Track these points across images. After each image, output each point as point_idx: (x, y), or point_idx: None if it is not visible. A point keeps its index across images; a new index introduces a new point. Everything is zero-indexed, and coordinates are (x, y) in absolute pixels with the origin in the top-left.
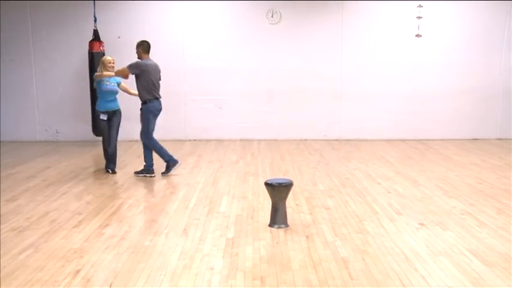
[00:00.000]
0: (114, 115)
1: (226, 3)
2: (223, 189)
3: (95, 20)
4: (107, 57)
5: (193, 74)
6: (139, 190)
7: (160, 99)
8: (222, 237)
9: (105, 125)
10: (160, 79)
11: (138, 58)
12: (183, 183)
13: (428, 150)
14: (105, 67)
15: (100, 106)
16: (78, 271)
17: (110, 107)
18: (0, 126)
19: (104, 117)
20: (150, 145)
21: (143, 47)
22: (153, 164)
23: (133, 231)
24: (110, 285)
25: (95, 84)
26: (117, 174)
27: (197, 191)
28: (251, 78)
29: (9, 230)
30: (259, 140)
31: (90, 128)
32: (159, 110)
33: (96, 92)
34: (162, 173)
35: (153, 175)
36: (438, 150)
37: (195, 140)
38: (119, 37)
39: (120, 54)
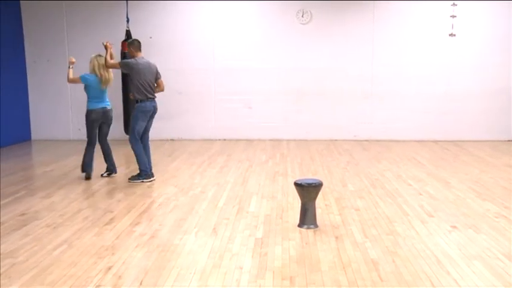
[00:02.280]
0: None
1: (256, 3)
2: (253, 189)
3: (128, 21)
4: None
5: (223, 74)
6: (169, 189)
7: (154, 99)
8: (251, 237)
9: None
10: (159, 77)
11: (131, 57)
12: (213, 183)
13: (461, 151)
14: (98, 66)
15: (93, 106)
16: (109, 268)
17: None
18: (36, 125)
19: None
20: (133, 147)
21: (134, 46)
22: (147, 167)
23: (163, 229)
24: (141, 283)
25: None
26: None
27: (226, 191)
28: (281, 78)
29: (44, 226)
30: (288, 140)
31: (121, 127)
32: (151, 111)
33: (88, 93)
34: (129, 178)
35: (151, 179)
36: (471, 151)
37: (224, 140)
38: (151, 37)
39: (152, 55)
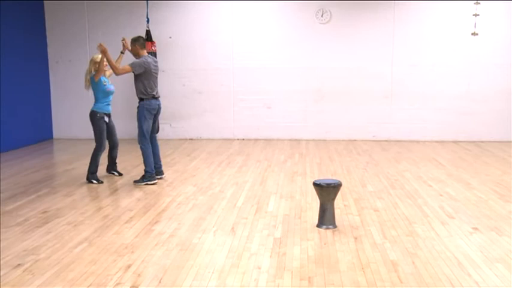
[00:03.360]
0: (110, 118)
1: (275, 2)
2: (271, 188)
3: (148, 21)
4: (99, 56)
5: (242, 74)
6: (188, 188)
7: (159, 98)
8: (270, 237)
9: (105, 128)
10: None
11: (135, 55)
12: (232, 182)
13: (482, 152)
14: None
15: (102, 108)
16: (129, 266)
17: (110, 109)
18: (57, 124)
19: (106, 119)
20: (141, 147)
21: (140, 43)
22: (153, 168)
23: (182, 228)
24: (160, 281)
25: (88, 85)
26: (167, 173)
27: (245, 190)
28: (300, 77)
29: (65, 224)
30: (307, 140)
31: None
32: (156, 109)
33: (95, 93)
34: (134, 181)
35: (155, 181)
36: (493, 152)
37: (243, 139)
38: (170, 37)
39: (172, 54)
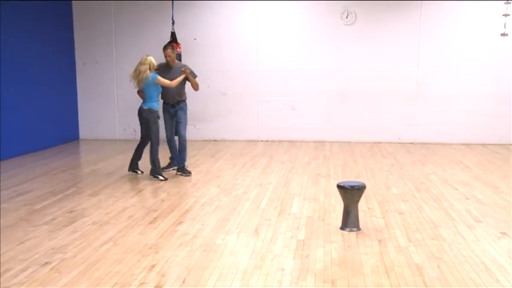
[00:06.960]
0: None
1: (300, 3)
2: (295, 190)
3: (173, 23)
4: (152, 59)
5: (266, 75)
6: (212, 189)
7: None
8: (293, 239)
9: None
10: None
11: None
12: (255, 184)
13: (511, 155)
14: (153, 68)
15: (156, 106)
16: (153, 266)
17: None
18: (84, 125)
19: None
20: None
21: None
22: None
23: (206, 229)
24: (183, 281)
25: (141, 85)
26: (191, 173)
27: (269, 192)
28: (325, 79)
29: (91, 224)
30: (331, 142)
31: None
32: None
33: (150, 92)
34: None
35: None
36: None
37: (267, 141)
38: (195, 39)
39: (197, 55)
